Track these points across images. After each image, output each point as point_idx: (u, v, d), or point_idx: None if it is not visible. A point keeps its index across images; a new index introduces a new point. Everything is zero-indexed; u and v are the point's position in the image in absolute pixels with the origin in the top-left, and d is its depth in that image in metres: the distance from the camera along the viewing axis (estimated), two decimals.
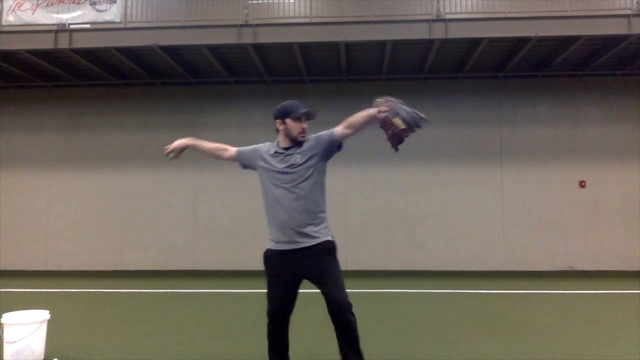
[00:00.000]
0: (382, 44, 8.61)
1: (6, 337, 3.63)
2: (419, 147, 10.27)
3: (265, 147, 3.11)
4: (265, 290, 3.03)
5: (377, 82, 10.40)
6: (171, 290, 7.53)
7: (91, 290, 7.65)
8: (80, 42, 8.60)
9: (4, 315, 3.72)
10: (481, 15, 8.66)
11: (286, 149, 3.02)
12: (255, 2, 9.23)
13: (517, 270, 9.78)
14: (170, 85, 10.63)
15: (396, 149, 2.75)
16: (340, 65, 9.57)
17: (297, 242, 2.92)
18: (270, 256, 3.01)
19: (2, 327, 3.67)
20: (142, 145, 10.59)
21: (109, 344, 4.34)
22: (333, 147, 3.02)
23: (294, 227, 2.91)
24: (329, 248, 2.98)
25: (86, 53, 8.98)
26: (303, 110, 3.03)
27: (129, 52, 9.00)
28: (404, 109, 2.71)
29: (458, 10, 8.69)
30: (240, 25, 8.38)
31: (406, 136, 2.68)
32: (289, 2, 9.18)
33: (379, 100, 2.81)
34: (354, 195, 10.26)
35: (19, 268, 10.35)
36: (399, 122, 2.65)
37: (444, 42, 8.49)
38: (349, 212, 10.25)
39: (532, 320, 5.25)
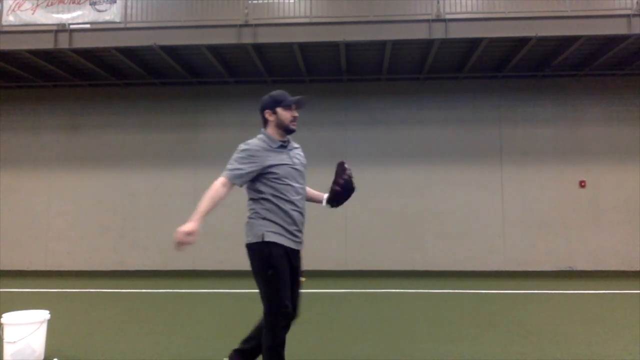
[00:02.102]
0: (382, 44, 8.61)
1: (6, 337, 3.63)
2: (418, 147, 10.30)
3: (263, 144, 2.87)
4: (270, 289, 2.78)
5: (377, 82, 10.41)
6: (171, 290, 7.53)
7: (91, 290, 7.65)
8: (80, 42, 8.60)
9: (4, 315, 3.72)
10: (481, 15, 8.66)
11: (285, 142, 2.95)
12: (255, 2, 9.23)
13: (517, 270, 9.78)
14: (170, 85, 10.64)
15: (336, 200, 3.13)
16: (340, 65, 9.57)
17: (301, 242, 2.94)
18: (281, 254, 2.80)
19: (2, 327, 3.67)
20: (142, 145, 10.60)
21: (109, 344, 4.34)
22: None
23: (301, 227, 2.93)
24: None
25: (86, 53, 8.98)
26: (294, 97, 2.92)
27: (129, 52, 9.00)
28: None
29: (458, 10, 8.69)
30: (240, 25, 8.38)
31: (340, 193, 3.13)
32: (289, 2, 9.18)
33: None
34: (354, 195, 10.21)
35: (19, 268, 10.35)
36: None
37: (444, 42, 8.49)
38: (349, 212, 10.24)
39: (532, 320, 5.25)
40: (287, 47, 8.70)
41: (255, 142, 2.89)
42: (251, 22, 8.44)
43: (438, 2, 8.45)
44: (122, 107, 10.72)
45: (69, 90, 10.77)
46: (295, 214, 2.85)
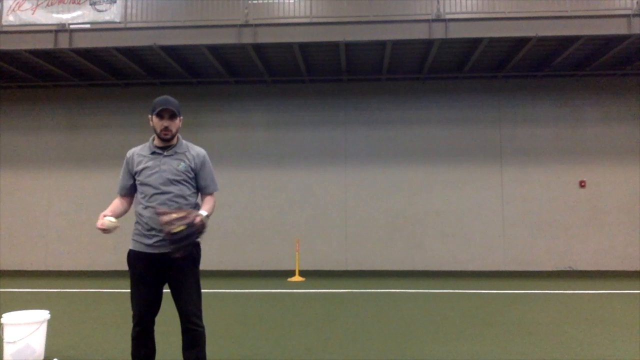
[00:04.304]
0: (382, 44, 8.61)
1: (6, 337, 3.63)
2: (419, 147, 10.30)
3: (138, 150, 2.95)
4: (130, 292, 2.90)
5: (377, 82, 10.41)
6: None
7: (91, 290, 7.65)
8: (80, 42, 8.60)
9: (4, 315, 3.72)
10: (481, 15, 8.66)
11: (162, 148, 2.90)
12: (255, 2, 9.24)
13: (517, 270, 9.78)
14: (170, 85, 10.63)
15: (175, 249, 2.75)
16: (340, 65, 9.57)
17: (162, 245, 2.82)
18: (136, 258, 2.86)
19: (2, 327, 3.67)
20: None
21: (109, 344, 4.34)
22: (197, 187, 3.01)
23: (160, 231, 2.82)
24: (193, 255, 3.01)
25: (86, 53, 8.98)
26: (159, 107, 2.81)
27: (129, 52, 9.00)
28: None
29: (458, 10, 8.69)
30: (240, 25, 8.38)
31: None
32: (289, 2, 9.19)
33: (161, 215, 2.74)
34: (354, 195, 10.27)
35: (19, 268, 10.35)
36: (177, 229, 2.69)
37: (444, 42, 8.49)
38: (349, 212, 10.25)
39: (532, 320, 5.25)
40: (287, 47, 8.70)
41: (135, 147, 3.01)
42: (251, 22, 8.43)
43: (438, 2, 8.45)
44: (122, 107, 10.72)
45: (69, 90, 10.77)
46: (149, 219, 2.81)
